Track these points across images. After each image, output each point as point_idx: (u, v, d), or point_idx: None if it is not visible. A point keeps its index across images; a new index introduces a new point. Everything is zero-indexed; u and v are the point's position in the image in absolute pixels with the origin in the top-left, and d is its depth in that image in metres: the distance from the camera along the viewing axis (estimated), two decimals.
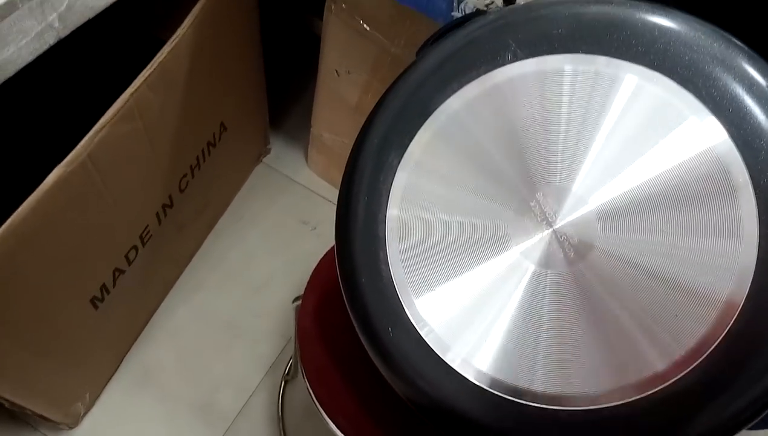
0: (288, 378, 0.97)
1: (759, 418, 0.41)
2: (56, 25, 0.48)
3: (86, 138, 0.59)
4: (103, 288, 0.76)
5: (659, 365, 0.40)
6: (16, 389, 0.72)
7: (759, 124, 0.41)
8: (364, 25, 0.83)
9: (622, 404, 0.41)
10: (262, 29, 0.92)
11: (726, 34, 0.43)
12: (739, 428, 0.41)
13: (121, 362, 0.96)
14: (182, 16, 0.70)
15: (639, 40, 0.43)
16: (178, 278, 1.02)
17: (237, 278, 1.06)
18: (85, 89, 0.72)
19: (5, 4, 0.42)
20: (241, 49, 0.86)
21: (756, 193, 0.40)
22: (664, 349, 0.40)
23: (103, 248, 0.73)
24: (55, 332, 0.72)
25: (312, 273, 0.67)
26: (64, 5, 0.48)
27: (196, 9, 0.70)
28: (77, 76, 0.81)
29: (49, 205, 0.58)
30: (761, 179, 0.40)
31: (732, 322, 0.40)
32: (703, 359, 0.40)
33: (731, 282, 0.40)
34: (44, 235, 0.60)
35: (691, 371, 0.40)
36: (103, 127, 0.60)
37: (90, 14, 0.51)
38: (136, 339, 0.97)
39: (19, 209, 0.56)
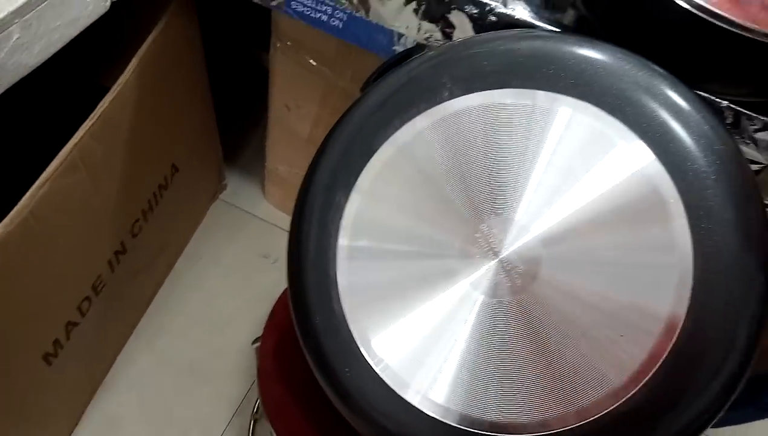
0: (257, 417, 0.95)
1: (707, 428, 0.42)
2: None
3: (27, 195, 0.58)
4: (56, 343, 0.74)
5: (608, 386, 0.41)
6: None
7: (685, 147, 0.43)
8: (311, 61, 0.84)
9: (574, 428, 0.42)
10: (211, 66, 0.92)
11: (649, 63, 0.46)
12: None
13: (81, 416, 0.92)
14: (125, 62, 0.70)
15: (567, 72, 0.45)
16: (137, 324, 1.00)
17: (199, 319, 1.04)
18: (29, 138, 0.71)
19: None
20: (187, 90, 0.86)
21: (687, 213, 0.42)
22: (611, 370, 0.41)
23: (53, 303, 0.71)
24: (6, 394, 0.70)
25: (269, 314, 0.66)
26: None
27: (138, 55, 0.69)
28: (19, 124, 0.79)
29: None
30: (690, 199, 0.42)
31: (675, 339, 0.41)
32: (651, 377, 0.41)
33: (671, 300, 0.41)
34: None
35: (639, 390, 0.41)
36: (46, 181, 0.59)
37: (24, 72, 0.50)
38: (96, 390, 0.94)
39: None
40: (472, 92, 0.46)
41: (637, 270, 0.43)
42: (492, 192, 0.46)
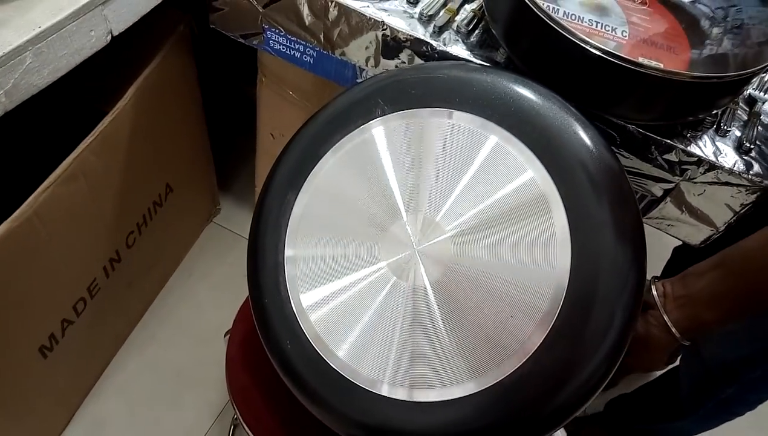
0: (236, 423, 1.01)
1: (588, 400, 0.48)
2: (2, 100, 0.57)
3: (32, 197, 0.67)
4: (52, 338, 0.82)
5: (499, 359, 0.48)
6: None
7: (571, 165, 0.51)
8: (291, 94, 0.94)
9: (471, 396, 0.48)
10: (209, 100, 1.02)
11: (564, 103, 0.54)
12: (579, 404, 0.48)
13: (72, 417, 0.99)
14: (125, 89, 0.80)
15: (482, 96, 0.54)
16: (129, 333, 1.08)
17: (187, 330, 1.12)
18: (36, 156, 0.80)
19: None
20: (182, 118, 0.96)
21: (568, 216, 0.50)
22: (502, 346, 0.48)
23: (50, 298, 0.79)
24: (3, 381, 0.77)
25: (240, 307, 0.74)
26: (10, 84, 0.57)
27: (136, 84, 0.80)
28: (25, 145, 0.89)
29: None
30: (572, 206, 0.50)
31: (554, 320, 0.48)
32: (536, 351, 0.47)
33: (553, 286, 0.48)
34: None
35: (525, 362, 0.47)
36: (48, 187, 0.69)
37: (34, 91, 0.60)
38: (87, 394, 1.01)
39: None
40: (400, 111, 0.56)
41: (527, 261, 0.50)
42: (413, 195, 0.55)
